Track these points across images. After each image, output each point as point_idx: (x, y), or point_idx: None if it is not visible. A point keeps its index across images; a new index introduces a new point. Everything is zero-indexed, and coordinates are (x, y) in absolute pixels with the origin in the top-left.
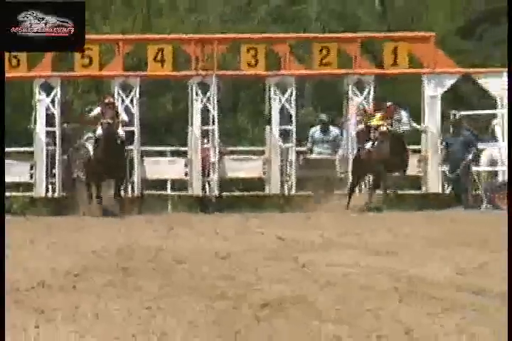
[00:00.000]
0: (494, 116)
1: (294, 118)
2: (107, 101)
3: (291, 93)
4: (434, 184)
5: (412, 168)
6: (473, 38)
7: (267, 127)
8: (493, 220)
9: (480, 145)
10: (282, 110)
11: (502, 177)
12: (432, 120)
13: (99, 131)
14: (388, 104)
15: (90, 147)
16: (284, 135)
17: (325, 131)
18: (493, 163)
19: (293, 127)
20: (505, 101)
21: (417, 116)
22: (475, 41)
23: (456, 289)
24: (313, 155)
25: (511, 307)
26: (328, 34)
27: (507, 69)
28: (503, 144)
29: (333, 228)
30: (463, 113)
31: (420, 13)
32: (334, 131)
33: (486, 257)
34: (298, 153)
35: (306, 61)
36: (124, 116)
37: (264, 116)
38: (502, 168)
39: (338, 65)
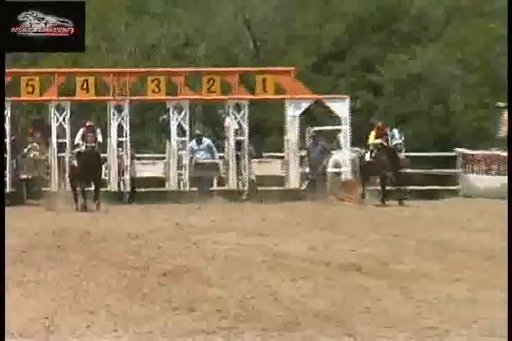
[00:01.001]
0: (339, 130)
1: (187, 132)
2: (87, 124)
3: (186, 113)
4: (295, 182)
5: (277, 170)
6: (322, 72)
7: (167, 140)
8: (339, 209)
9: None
10: (179, 126)
11: (345, 176)
12: (292, 134)
13: (83, 147)
14: (379, 124)
15: (75, 161)
16: (181, 145)
17: (199, 141)
18: (337, 165)
19: (187, 139)
20: (348, 119)
21: (281, 131)
22: (324, 75)
23: (309, 261)
24: (204, 161)
25: (511, 306)
26: (213, 68)
27: (507, 71)
28: (346, 152)
29: (218, 215)
30: (316, 128)
31: (285, 53)
32: (207, 141)
33: (334, 237)
34: (191, 158)
35: (197, 89)
36: (99, 138)
37: (165, 131)
38: (345, 170)
39: (221, 91)
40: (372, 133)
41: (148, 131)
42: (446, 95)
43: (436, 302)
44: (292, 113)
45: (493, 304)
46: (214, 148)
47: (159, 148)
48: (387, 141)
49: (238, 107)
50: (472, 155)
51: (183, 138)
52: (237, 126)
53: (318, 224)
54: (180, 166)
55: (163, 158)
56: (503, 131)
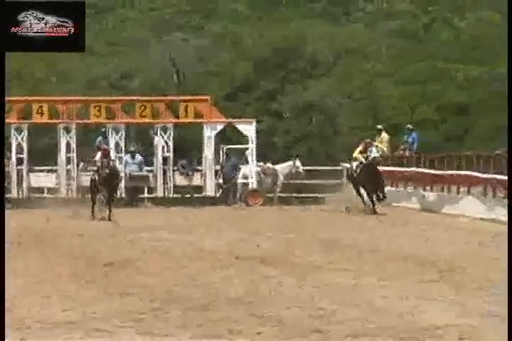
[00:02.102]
0: (247, 148)
1: (123, 149)
2: (103, 148)
3: (122, 134)
4: (210, 190)
5: (196, 180)
6: (233, 100)
7: None
8: (247, 212)
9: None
10: (117, 144)
11: (251, 185)
12: (209, 151)
13: (99, 164)
14: (367, 140)
15: (96, 175)
16: (119, 159)
17: (133, 157)
18: (245, 177)
19: (123, 155)
20: (254, 139)
21: (200, 148)
22: (235, 102)
23: (224, 254)
24: (137, 173)
25: (511, 307)
26: (145, 97)
27: (507, 73)
28: (253, 166)
29: (152, 217)
30: (228, 147)
31: (203, 85)
32: (139, 157)
33: (243, 235)
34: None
35: (131, 114)
36: (112, 158)
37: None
38: (251, 180)
39: (151, 116)
40: (359, 148)
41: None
42: (334, 120)
43: (326, 288)
44: (209, 134)
45: (373, 289)
46: (143, 163)
47: None
48: (367, 157)
49: (165, 129)
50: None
51: (120, 155)
52: (164, 145)
53: (230, 224)
54: None
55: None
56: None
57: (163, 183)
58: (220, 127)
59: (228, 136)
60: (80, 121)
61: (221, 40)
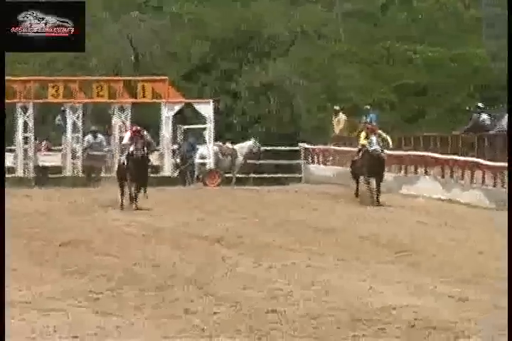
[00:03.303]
0: (205, 128)
1: (80, 129)
2: (134, 129)
3: (79, 113)
4: (168, 170)
5: (154, 161)
6: (191, 81)
7: (64, 135)
8: (205, 192)
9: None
10: (74, 123)
11: (209, 166)
12: (166, 131)
13: (132, 149)
14: (369, 126)
15: (125, 160)
16: (76, 139)
17: (95, 136)
18: (202, 157)
19: (80, 134)
20: (211, 119)
21: (156, 129)
22: (192, 83)
23: (181, 235)
24: (97, 152)
25: (511, 305)
26: (102, 77)
27: (507, 73)
28: (210, 146)
29: (106, 197)
30: (186, 127)
31: (162, 64)
32: (100, 136)
33: (200, 215)
34: (83, 150)
35: (89, 94)
36: (150, 141)
37: (62, 128)
38: (209, 161)
39: (108, 96)
40: (363, 134)
41: (50, 127)
42: (292, 100)
43: (282, 268)
44: (166, 114)
45: (329, 270)
46: (104, 143)
47: (58, 141)
48: (370, 142)
49: (122, 109)
50: (312, 149)
51: (77, 134)
52: (121, 124)
53: (188, 204)
54: (74, 157)
55: (61, 150)
56: (337, 129)
57: None
58: (177, 107)
59: (186, 116)
60: (37, 101)
61: (179, 20)
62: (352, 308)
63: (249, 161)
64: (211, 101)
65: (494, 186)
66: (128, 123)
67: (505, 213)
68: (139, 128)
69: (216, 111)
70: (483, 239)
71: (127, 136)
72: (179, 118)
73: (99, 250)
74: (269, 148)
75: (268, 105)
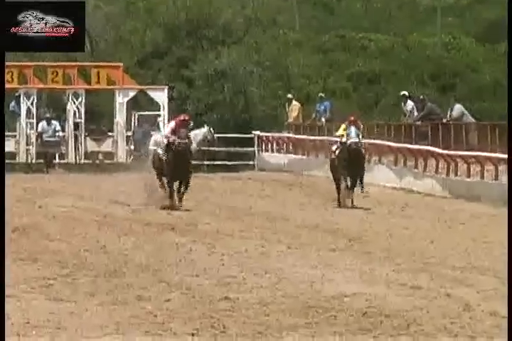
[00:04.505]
0: (159, 115)
1: (34, 115)
2: (182, 118)
3: (33, 99)
4: (121, 157)
5: (107, 146)
6: (145, 67)
7: (18, 121)
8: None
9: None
10: (28, 109)
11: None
12: (120, 117)
13: (172, 139)
14: (351, 118)
15: (161, 151)
16: (30, 125)
17: (49, 123)
18: (156, 144)
19: (34, 120)
20: (165, 106)
21: (111, 115)
22: (146, 70)
23: (132, 221)
24: (50, 139)
25: (511, 305)
26: (57, 63)
27: (506, 70)
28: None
29: (59, 183)
30: (140, 113)
31: (116, 50)
32: (54, 123)
33: (151, 201)
34: (37, 136)
35: (44, 79)
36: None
37: (16, 114)
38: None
39: (63, 82)
40: (342, 126)
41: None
42: (246, 88)
43: (235, 255)
44: (121, 100)
45: (282, 257)
46: (58, 129)
47: (12, 127)
48: (349, 134)
49: (77, 95)
50: (266, 137)
51: (31, 120)
52: (75, 111)
53: (140, 191)
54: (28, 143)
55: (15, 136)
56: (291, 117)
57: (75, 149)
58: (131, 94)
59: (140, 102)
60: None
61: (133, 7)
62: (304, 296)
63: (203, 148)
64: (165, 88)
65: (447, 175)
66: (82, 109)
67: (458, 201)
68: (187, 117)
69: (170, 98)
70: (436, 228)
71: (171, 125)
72: (133, 104)
73: (52, 236)
74: (222, 135)
75: (222, 92)
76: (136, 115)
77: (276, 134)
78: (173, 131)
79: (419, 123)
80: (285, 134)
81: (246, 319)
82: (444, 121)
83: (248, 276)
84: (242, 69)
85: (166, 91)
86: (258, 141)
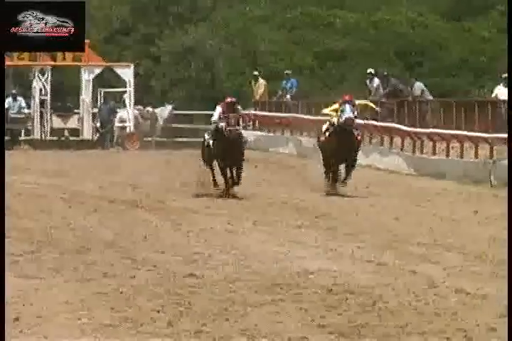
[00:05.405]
0: (125, 92)
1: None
2: (228, 100)
3: None
4: (87, 133)
5: (73, 123)
6: (112, 44)
7: None
8: (124, 155)
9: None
10: None
11: (129, 129)
12: (86, 94)
13: (221, 125)
14: (345, 97)
15: (211, 140)
16: None
17: (15, 99)
18: (122, 121)
19: None
20: (132, 83)
21: (77, 92)
22: (113, 46)
23: (98, 198)
24: (16, 115)
25: (511, 305)
26: None
27: (507, 68)
28: (130, 110)
29: (24, 160)
30: (106, 90)
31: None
32: (20, 99)
33: (119, 179)
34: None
35: (10, 56)
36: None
37: None
38: (129, 124)
39: (29, 58)
40: (334, 106)
41: None
42: (212, 65)
43: (201, 232)
44: (87, 77)
45: (248, 234)
46: (24, 105)
47: None
48: (343, 110)
49: (43, 72)
50: None
51: None
52: (41, 87)
53: (107, 167)
54: None
55: None
56: (258, 94)
57: (40, 126)
58: (97, 71)
59: (106, 79)
60: None
61: None
62: (270, 273)
63: (168, 125)
64: (132, 65)
65: (413, 152)
66: (48, 86)
67: (424, 178)
68: (234, 99)
69: (136, 74)
70: (400, 205)
71: (218, 110)
72: (99, 81)
73: (18, 213)
74: (189, 112)
75: (188, 69)
76: (102, 92)
77: (244, 111)
78: (222, 116)
79: (384, 100)
80: (251, 111)
81: (211, 295)
82: (410, 99)
83: (214, 253)
84: (209, 46)
85: (132, 68)
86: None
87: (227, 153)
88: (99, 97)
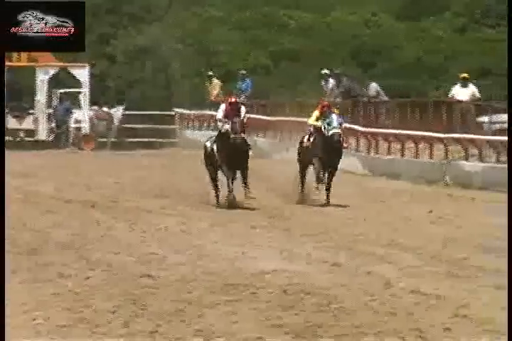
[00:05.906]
0: (80, 92)
1: None
2: (231, 100)
3: None
4: (43, 134)
5: (28, 124)
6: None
7: None
8: (79, 156)
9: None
10: None
11: (84, 130)
12: (41, 95)
13: (226, 127)
14: (324, 103)
15: (214, 144)
16: None
17: None
18: (77, 121)
19: None
20: (87, 83)
21: (32, 92)
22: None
23: (55, 199)
24: None
25: (511, 305)
26: None
27: (507, 67)
28: (85, 110)
29: None
30: (61, 90)
31: None
32: None
33: (74, 179)
34: None
35: None
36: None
37: None
38: (84, 125)
39: None
40: (315, 113)
41: None
42: (167, 65)
43: (156, 232)
44: (42, 77)
45: (203, 235)
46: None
47: None
48: (327, 124)
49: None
50: (188, 114)
51: None
52: None
53: (62, 168)
54: None
55: None
56: (213, 95)
57: None
58: (53, 71)
59: (61, 79)
60: None
61: None
62: (225, 273)
63: (123, 125)
64: (87, 65)
65: (368, 153)
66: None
67: (379, 179)
68: (238, 99)
69: (91, 75)
70: (355, 205)
71: (221, 109)
72: (55, 82)
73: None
74: (144, 112)
75: (143, 69)
76: (58, 92)
77: (199, 112)
78: (226, 115)
79: (338, 100)
80: (207, 112)
81: (167, 296)
82: (365, 99)
83: (169, 253)
84: (164, 46)
85: (87, 68)
86: (180, 118)
87: (232, 159)
88: (54, 98)
